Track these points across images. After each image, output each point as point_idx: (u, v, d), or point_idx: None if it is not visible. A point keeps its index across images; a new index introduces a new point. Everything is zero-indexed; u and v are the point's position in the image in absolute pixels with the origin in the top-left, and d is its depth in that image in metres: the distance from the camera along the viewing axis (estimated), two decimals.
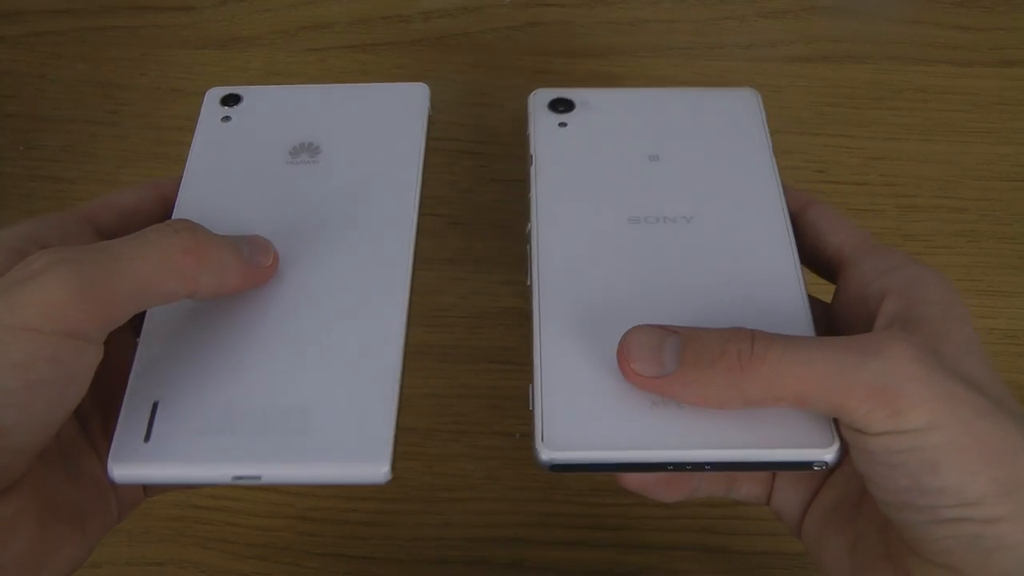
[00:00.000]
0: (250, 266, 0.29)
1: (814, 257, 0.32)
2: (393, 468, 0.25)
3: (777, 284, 0.30)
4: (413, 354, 0.45)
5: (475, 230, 0.47)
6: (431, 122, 0.35)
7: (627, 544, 0.43)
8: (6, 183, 0.48)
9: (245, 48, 0.50)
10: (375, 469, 0.25)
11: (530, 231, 0.32)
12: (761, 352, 0.25)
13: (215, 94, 0.36)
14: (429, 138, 0.35)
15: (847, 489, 0.30)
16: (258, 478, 0.25)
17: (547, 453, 0.26)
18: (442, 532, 0.43)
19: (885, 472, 0.25)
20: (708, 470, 0.27)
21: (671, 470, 0.27)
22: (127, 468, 0.26)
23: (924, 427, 0.24)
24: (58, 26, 0.51)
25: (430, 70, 0.50)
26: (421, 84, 0.36)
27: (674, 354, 0.26)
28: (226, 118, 0.35)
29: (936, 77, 0.50)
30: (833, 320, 0.31)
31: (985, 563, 0.24)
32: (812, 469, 0.27)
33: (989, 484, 0.24)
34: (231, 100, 0.36)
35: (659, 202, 0.32)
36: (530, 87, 0.36)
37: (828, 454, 0.26)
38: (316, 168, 0.34)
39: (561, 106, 0.35)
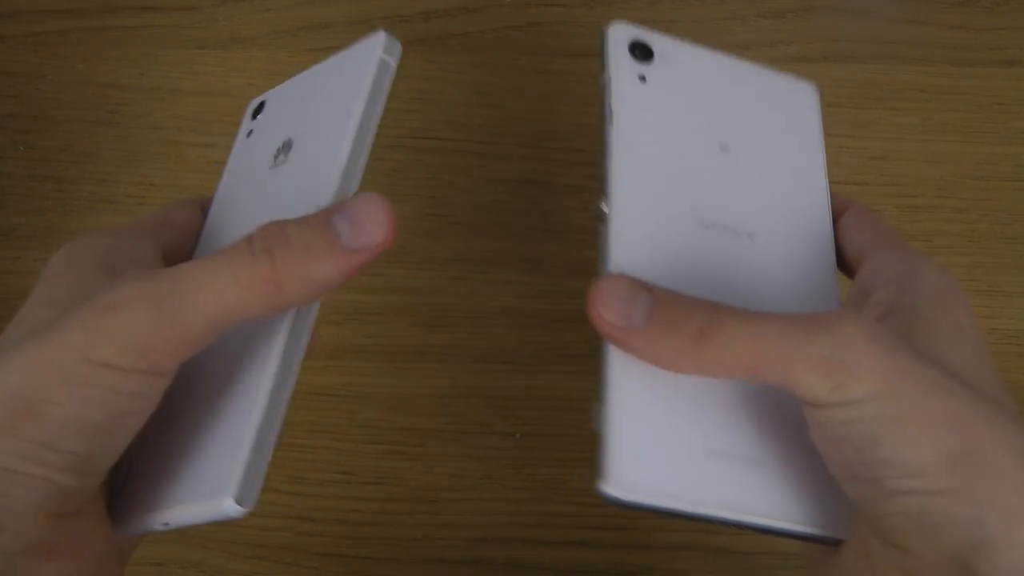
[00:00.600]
0: (352, 256, 0.25)
1: (840, 260, 0.32)
2: (250, 503, 0.25)
3: (817, 301, 0.30)
4: (413, 354, 0.45)
5: (475, 230, 0.47)
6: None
7: (627, 544, 0.43)
8: (6, 183, 0.48)
9: (245, 48, 0.50)
10: (219, 503, 0.25)
11: (605, 213, 0.29)
12: (720, 323, 0.26)
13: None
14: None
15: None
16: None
17: (613, 490, 0.26)
18: (442, 532, 0.43)
19: (835, 446, 0.25)
20: (746, 530, 0.27)
21: (717, 524, 0.27)
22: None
23: (866, 398, 0.24)
24: (58, 26, 0.51)
25: (430, 70, 0.50)
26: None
27: (644, 311, 0.26)
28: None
29: (936, 77, 0.50)
30: None
31: (933, 540, 0.24)
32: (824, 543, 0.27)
33: (933, 455, 0.24)
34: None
35: (728, 206, 0.31)
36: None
37: (834, 532, 0.27)
38: None
39: (640, 52, 0.32)
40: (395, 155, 0.49)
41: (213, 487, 0.25)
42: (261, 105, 0.36)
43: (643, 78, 0.32)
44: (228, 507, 0.24)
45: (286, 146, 0.32)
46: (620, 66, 0.32)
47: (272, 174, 0.31)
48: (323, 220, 0.26)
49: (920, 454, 0.24)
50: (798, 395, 0.25)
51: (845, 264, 0.32)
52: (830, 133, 0.49)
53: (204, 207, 0.34)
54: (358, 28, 0.50)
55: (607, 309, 0.26)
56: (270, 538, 0.43)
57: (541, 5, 0.51)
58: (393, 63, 0.29)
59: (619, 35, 0.32)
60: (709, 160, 0.32)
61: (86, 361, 0.24)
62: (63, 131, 0.49)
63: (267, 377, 0.26)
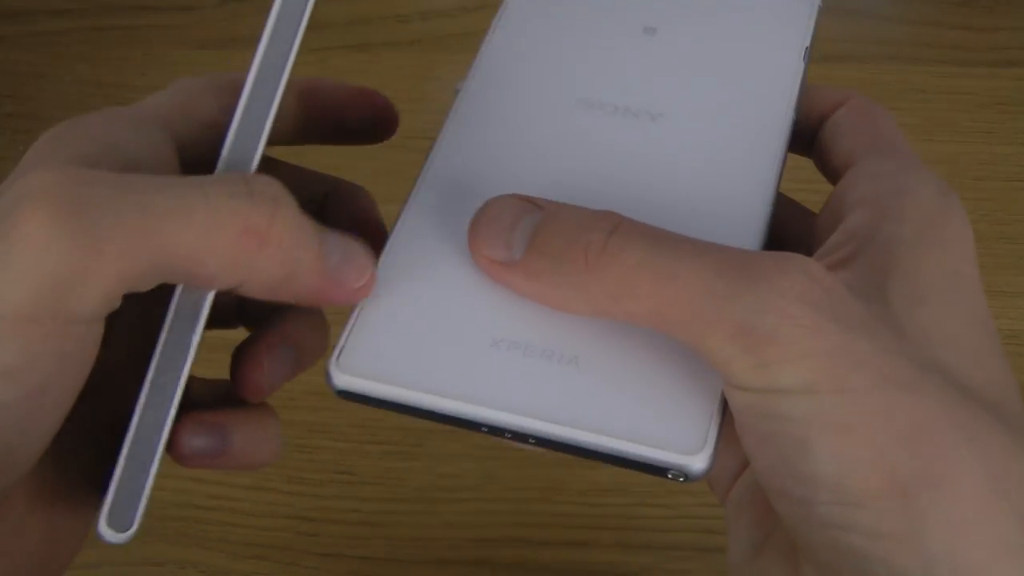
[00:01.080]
0: (330, 280, 0.21)
1: (825, 165, 0.26)
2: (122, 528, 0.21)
3: (733, 199, 0.24)
4: None
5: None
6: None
7: (627, 544, 0.43)
8: None
9: (245, 48, 0.50)
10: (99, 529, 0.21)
11: (459, 89, 0.26)
12: (616, 248, 0.19)
13: None
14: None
15: None
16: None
17: (335, 375, 0.21)
18: (442, 532, 0.43)
19: (755, 444, 0.19)
20: (532, 445, 0.21)
21: (484, 432, 0.21)
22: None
23: (797, 388, 0.18)
24: (58, 26, 0.51)
25: (430, 70, 0.50)
26: None
27: (525, 235, 0.21)
28: None
29: (936, 77, 0.50)
30: (811, 241, 0.23)
31: None
32: (667, 477, 0.20)
33: (880, 481, 0.17)
34: None
35: (627, 86, 0.26)
36: None
37: (692, 463, 0.19)
38: None
39: None
40: (395, 155, 0.49)
41: (101, 519, 0.21)
42: None
43: None
44: (102, 531, 0.21)
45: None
46: None
47: None
48: (319, 226, 0.21)
49: (863, 478, 0.17)
50: (711, 365, 0.19)
51: (830, 174, 0.25)
52: None
53: (237, 89, 0.23)
54: (358, 28, 0.50)
55: (483, 239, 0.21)
56: (270, 538, 0.43)
57: None
58: None
59: None
60: (622, 45, 0.27)
61: None
62: None
63: (145, 388, 0.21)
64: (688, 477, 0.20)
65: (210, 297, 0.21)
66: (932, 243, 0.21)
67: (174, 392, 0.21)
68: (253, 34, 0.55)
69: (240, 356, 0.25)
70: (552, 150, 0.24)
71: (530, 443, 0.21)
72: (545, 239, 0.20)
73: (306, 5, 0.24)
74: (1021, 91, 0.50)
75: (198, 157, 0.23)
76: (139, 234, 0.18)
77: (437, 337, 0.21)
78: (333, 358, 0.21)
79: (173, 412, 0.21)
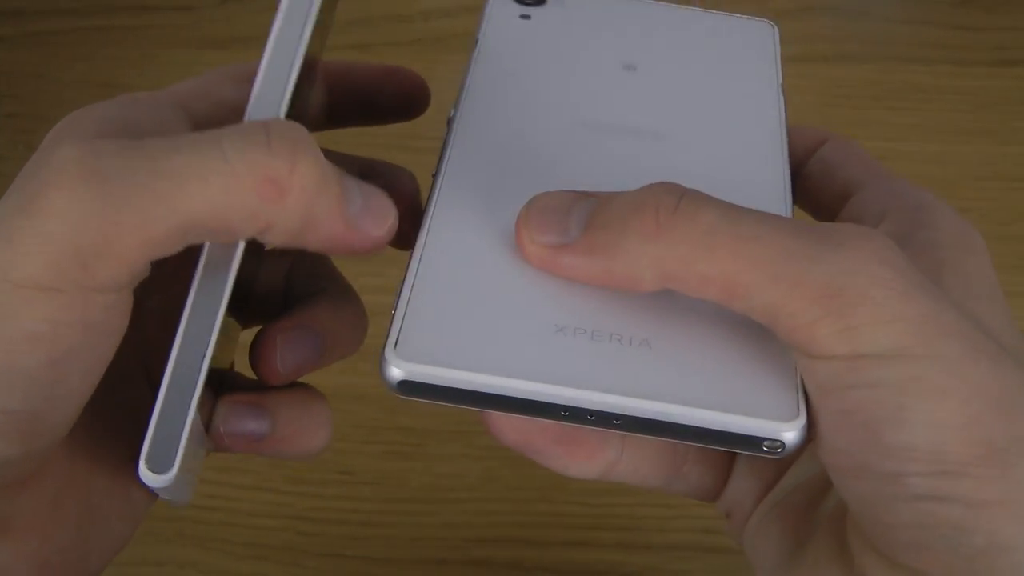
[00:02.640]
0: (350, 227, 0.20)
1: (819, 198, 0.26)
2: (164, 469, 0.21)
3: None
4: None
5: None
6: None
7: (627, 544, 0.43)
8: (6, 183, 0.48)
9: (245, 48, 0.50)
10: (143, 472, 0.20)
11: (452, 117, 0.26)
12: (690, 209, 0.19)
13: None
14: None
15: (812, 475, 0.23)
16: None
17: (396, 364, 0.19)
18: (442, 532, 0.43)
19: (837, 419, 0.18)
20: (615, 427, 0.19)
21: (563, 416, 0.19)
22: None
23: (889, 353, 0.17)
24: (58, 26, 0.51)
25: (430, 70, 0.50)
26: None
27: (582, 218, 0.20)
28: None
29: (936, 77, 0.50)
30: None
31: (968, 569, 0.17)
32: (762, 451, 0.19)
33: (976, 446, 0.17)
34: None
35: (626, 108, 0.26)
36: None
37: (788, 431, 0.19)
38: None
39: None
40: (396, 155, 0.49)
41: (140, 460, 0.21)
42: None
43: (525, 16, 0.29)
44: (142, 473, 0.20)
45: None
46: (496, 8, 0.29)
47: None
48: (341, 172, 0.21)
49: (961, 445, 0.17)
50: (788, 337, 0.18)
51: (824, 207, 0.25)
52: None
53: (252, 78, 0.24)
54: (358, 28, 0.50)
55: (536, 228, 0.20)
56: (270, 538, 0.43)
57: None
58: None
59: None
60: (607, 80, 0.27)
61: (7, 284, 0.18)
62: None
63: (178, 338, 0.21)
64: (784, 447, 0.19)
65: (240, 248, 0.21)
66: (970, 249, 0.22)
67: (210, 337, 0.21)
68: (253, 34, 0.55)
69: (257, 337, 0.24)
70: (563, 167, 0.24)
71: (614, 425, 0.19)
72: (607, 214, 0.19)
73: None
74: (1021, 91, 0.50)
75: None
76: (158, 199, 0.18)
77: (500, 321, 0.20)
78: (389, 347, 0.20)
79: (210, 355, 0.21)
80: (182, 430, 0.20)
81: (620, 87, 0.27)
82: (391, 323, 0.20)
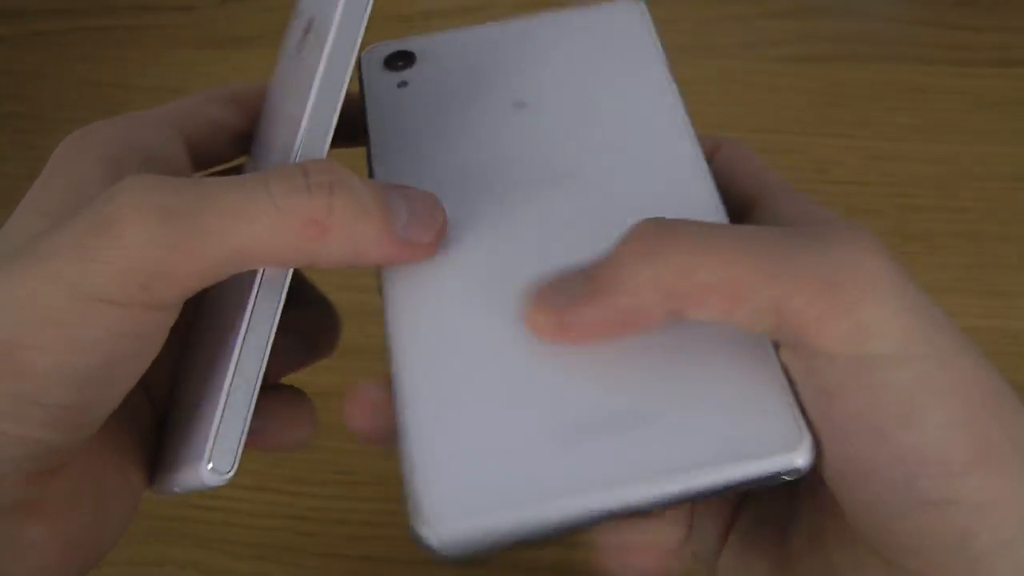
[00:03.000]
0: (399, 244, 0.22)
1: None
2: (225, 469, 0.23)
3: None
4: None
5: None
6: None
7: None
8: (6, 183, 0.48)
9: (245, 48, 0.50)
10: (196, 471, 0.23)
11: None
12: (674, 227, 0.19)
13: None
14: None
15: (771, 504, 0.23)
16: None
17: (437, 529, 0.20)
18: None
19: (843, 427, 0.18)
20: (648, 511, 0.20)
21: (603, 520, 0.20)
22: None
23: (896, 353, 0.18)
24: (58, 26, 0.51)
25: None
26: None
27: (583, 278, 0.20)
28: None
29: (936, 77, 0.50)
30: None
31: (972, 570, 0.18)
32: (782, 481, 0.19)
33: (978, 445, 0.17)
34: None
35: (533, 162, 0.25)
36: None
37: (800, 457, 0.19)
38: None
39: (400, 61, 0.29)
40: None
41: (194, 453, 0.23)
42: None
43: (403, 83, 0.29)
44: (204, 474, 0.23)
45: (308, 27, 0.26)
46: (374, 84, 0.29)
47: (293, 64, 0.27)
48: (383, 192, 0.22)
49: (967, 444, 0.17)
50: (793, 337, 0.18)
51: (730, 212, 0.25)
52: (830, 133, 0.49)
53: (238, 100, 0.28)
54: None
55: (545, 302, 0.21)
56: (270, 538, 0.43)
57: (541, 5, 0.51)
58: None
59: (372, 56, 0.29)
60: (502, 124, 0.27)
61: (76, 295, 0.20)
62: (63, 131, 0.49)
63: (236, 351, 0.23)
64: (801, 471, 0.19)
65: (290, 271, 0.23)
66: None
67: (264, 352, 0.23)
68: (253, 34, 0.55)
69: None
70: (509, 248, 0.24)
71: (639, 513, 0.20)
72: (601, 263, 0.20)
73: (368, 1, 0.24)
74: (1021, 91, 0.50)
75: (205, 152, 0.27)
76: (213, 234, 0.20)
77: (508, 450, 0.20)
78: (419, 520, 0.21)
79: (263, 367, 0.23)
80: (240, 437, 0.23)
81: (521, 132, 0.26)
82: (405, 495, 0.21)
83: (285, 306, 0.24)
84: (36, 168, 0.50)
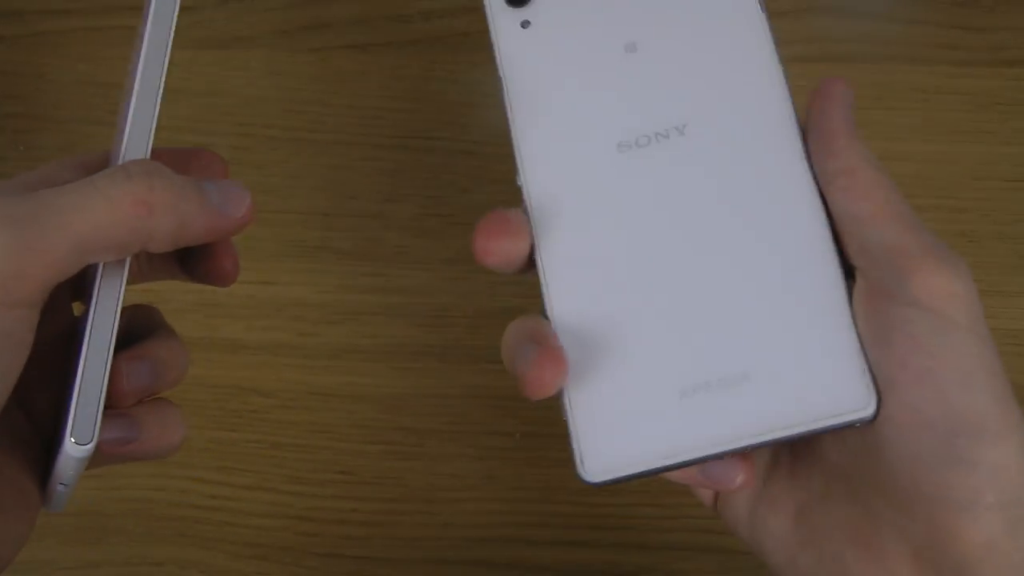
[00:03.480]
0: (217, 215, 0.27)
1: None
2: (86, 440, 0.26)
3: (794, 221, 0.27)
4: (413, 354, 0.45)
5: (475, 230, 0.47)
6: None
7: (627, 544, 0.43)
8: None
9: (245, 48, 0.50)
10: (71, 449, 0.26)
11: (521, 187, 0.29)
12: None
13: None
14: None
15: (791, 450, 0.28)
16: None
17: (591, 477, 0.26)
18: (442, 532, 0.43)
19: (918, 377, 0.23)
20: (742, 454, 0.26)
21: (715, 458, 0.26)
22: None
23: (967, 325, 0.24)
24: (58, 26, 0.51)
25: (430, 70, 0.50)
26: None
27: None
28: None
29: (936, 77, 0.50)
30: None
31: (974, 521, 0.23)
32: (855, 426, 0.25)
33: (1005, 419, 0.23)
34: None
35: (646, 112, 0.29)
36: None
37: (869, 409, 0.24)
38: None
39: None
40: (395, 155, 0.49)
41: (63, 436, 0.26)
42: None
43: (525, 24, 0.31)
44: (68, 447, 0.25)
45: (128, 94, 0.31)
46: (498, 23, 0.31)
47: (120, 125, 0.30)
48: (194, 179, 0.26)
49: (1000, 419, 0.23)
50: (902, 270, 0.24)
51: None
52: None
53: (86, 165, 0.31)
54: (358, 28, 0.50)
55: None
56: (270, 538, 0.43)
57: None
58: None
59: None
60: (615, 71, 0.29)
61: None
62: (63, 131, 0.49)
63: (86, 335, 0.26)
64: (869, 420, 0.24)
65: (127, 262, 0.27)
66: None
67: (110, 333, 0.26)
68: (253, 34, 0.55)
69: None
70: (627, 216, 0.28)
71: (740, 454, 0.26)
72: None
73: (171, 28, 0.30)
74: (1021, 91, 0.50)
75: None
76: (55, 230, 0.23)
77: (644, 411, 0.26)
78: (579, 467, 0.27)
79: (112, 349, 0.26)
80: (97, 409, 0.26)
81: (636, 80, 0.29)
82: (569, 440, 0.27)
83: (139, 336, 0.29)
84: (36, 168, 0.50)
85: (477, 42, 0.51)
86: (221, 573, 0.42)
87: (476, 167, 0.48)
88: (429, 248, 0.47)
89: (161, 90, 0.28)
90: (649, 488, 0.44)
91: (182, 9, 0.51)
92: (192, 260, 0.30)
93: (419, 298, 0.46)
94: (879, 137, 0.49)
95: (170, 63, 0.32)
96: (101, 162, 0.31)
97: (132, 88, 0.28)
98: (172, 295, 0.39)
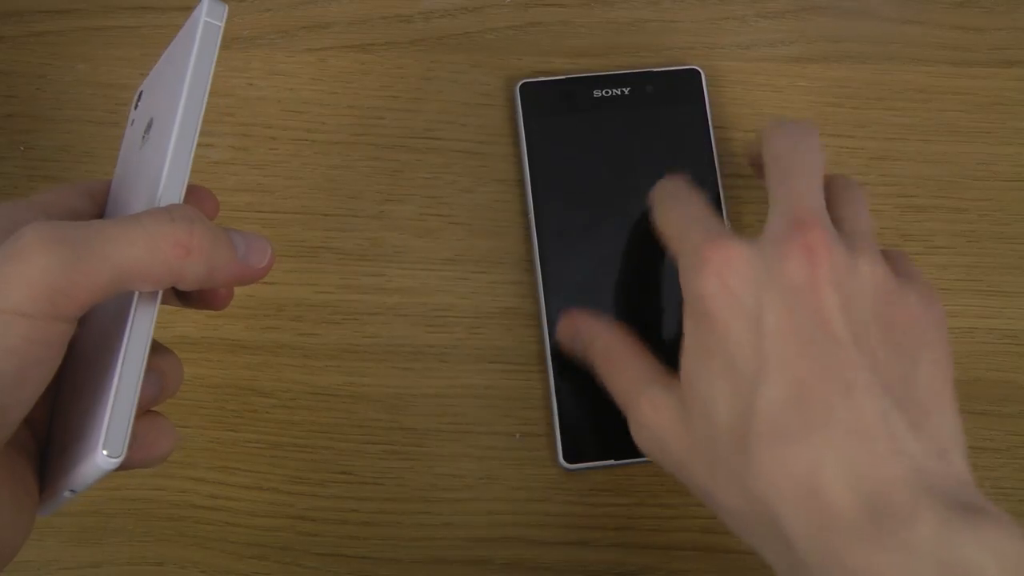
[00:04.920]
0: (242, 265, 0.30)
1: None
2: (118, 453, 0.27)
3: None
4: (413, 354, 0.45)
5: (475, 230, 0.47)
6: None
7: (627, 544, 0.43)
8: (5, 183, 0.48)
9: (245, 48, 0.50)
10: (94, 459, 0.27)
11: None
12: None
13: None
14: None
15: None
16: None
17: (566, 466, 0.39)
18: (442, 532, 0.43)
19: None
20: None
21: None
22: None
23: None
24: (58, 26, 0.51)
25: (430, 70, 0.50)
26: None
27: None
28: None
29: (936, 77, 0.50)
30: None
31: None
32: None
33: None
34: None
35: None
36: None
37: None
38: None
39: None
40: (395, 155, 0.49)
41: (89, 447, 0.27)
42: (140, 94, 0.37)
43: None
44: (99, 458, 0.27)
45: (148, 126, 0.33)
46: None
47: (140, 155, 0.33)
48: (226, 229, 0.29)
49: None
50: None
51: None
52: (830, 133, 0.49)
53: (91, 192, 0.34)
54: (358, 28, 0.50)
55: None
56: (270, 538, 0.43)
57: (541, 5, 0.51)
58: (219, 22, 0.32)
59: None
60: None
61: None
62: (63, 131, 0.49)
63: (121, 356, 0.28)
64: None
65: (159, 293, 0.29)
66: None
67: (142, 356, 0.28)
68: (253, 34, 0.55)
69: None
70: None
71: None
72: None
73: (207, 84, 0.31)
74: (1021, 91, 0.50)
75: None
76: (102, 257, 0.26)
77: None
78: (558, 458, 0.43)
79: (143, 370, 0.28)
80: (128, 425, 0.27)
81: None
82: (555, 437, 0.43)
83: (155, 353, 0.29)
84: (36, 168, 0.50)
85: (476, 42, 0.51)
86: (221, 573, 0.42)
87: (476, 167, 0.48)
88: (429, 248, 0.47)
89: (198, 131, 0.30)
90: (650, 488, 0.44)
91: (182, 10, 0.51)
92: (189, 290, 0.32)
93: (419, 298, 0.46)
94: (879, 137, 0.49)
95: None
96: (104, 190, 0.35)
97: (171, 127, 0.30)
98: None
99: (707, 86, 0.48)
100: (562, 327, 0.42)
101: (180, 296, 0.33)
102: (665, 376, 0.36)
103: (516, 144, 0.47)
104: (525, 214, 0.47)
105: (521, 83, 0.47)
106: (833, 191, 0.36)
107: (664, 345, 0.41)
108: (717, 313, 0.32)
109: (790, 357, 0.31)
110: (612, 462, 0.42)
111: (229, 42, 0.51)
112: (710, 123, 0.47)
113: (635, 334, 0.40)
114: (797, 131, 0.37)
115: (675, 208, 0.38)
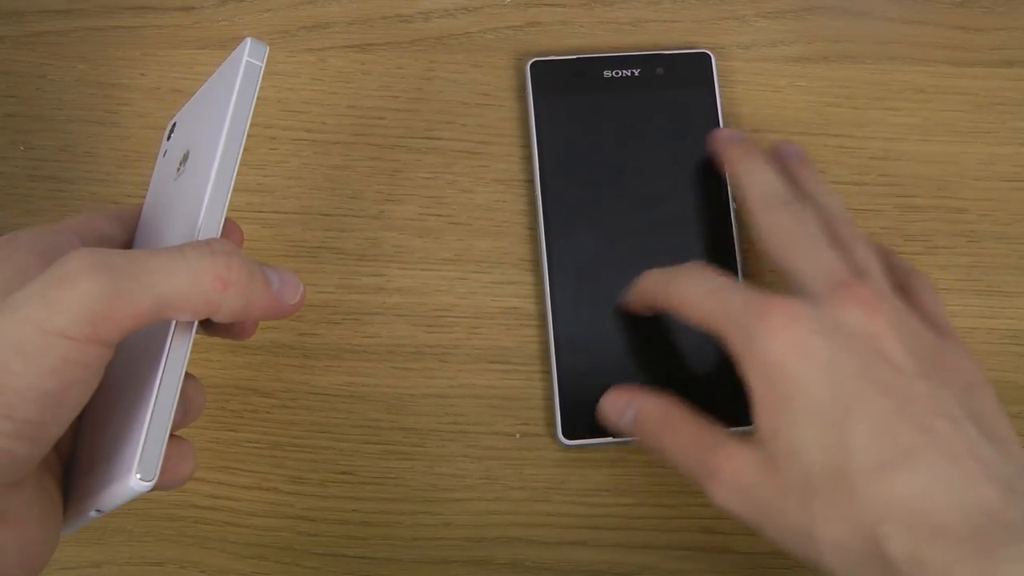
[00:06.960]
0: (275, 300, 0.31)
1: None
2: (151, 477, 0.28)
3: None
4: (413, 354, 0.45)
5: (475, 230, 0.47)
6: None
7: (627, 544, 0.43)
8: (6, 183, 0.48)
9: None
10: (127, 481, 0.28)
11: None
12: None
13: None
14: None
15: None
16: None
17: (564, 442, 0.41)
18: (442, 532, 0.43)
19: None
20: None
21: None
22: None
23: None
24: (58, 26, 0.51)
25: (430, 70, 0.50)
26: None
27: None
28: None
29: (936, 77, 0.50)
30: None
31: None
32: None
33: None
34: None
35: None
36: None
37: None
38: None
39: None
40: (395, 155, 0.49)
41: (121, 469, 0.28)
42: (174, 126, 0.38)
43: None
44: (132, 482, 0.28)
45: (184, 158, 0.34)
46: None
47: (175, 186, 0.34)
48: (263, 268, 0.30)
49: None
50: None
51: None
52: (830, 133, 0.49)
53: (121, 218, 0.36)
54: (358, 28, 0.50)
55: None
56: (270, 538, 0.43)
57: (541, 5, 0.51)
58: (260, 63, 0.32)
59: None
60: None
61: (41, 331, 0.26)
62: (63, 131, 0.49)
63: (157, 382, 0.29)
64: None
65: (195, 323, 0.30)
66: None
67: (177, 383, 0.29)
68: (252, 34, 0.55)
69: None
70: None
71: None
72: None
73: (247, 123, 0.32)
74: (1021, 91, 0.50)
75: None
76: (144, 285, 0.27)
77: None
78: (556, 433, 0.44)
79: (177, 396, 0.29)
80: (161, 450, 0.29)
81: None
82: (555, 413, 0.44)
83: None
84: (36, 168, 0.50)
85: (476, 42, 0.51)
86: (221, 573, 0.42)
87: (476, 167, 0.48)
88: (429, 248, 0.47)
89: (237, 168, 0.31)
90: (650, 488, 0.44)
91: (182, 10, 0.51)
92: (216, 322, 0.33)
93: (419, 298, 0.46)
94: (879, 137, 0.49)
95: (173, 66, 0.33)
96: (134, 217, 0.36)
97: (210, 164, 0.31)
98: None
99: (717, 69, 0.48)
100: (608, 403, 0.41)
101: (206, 325, 0.33)
102: (727, 432, 0.36)
103: (525, 121, 0.48)
104: (532, 192, 0.47)
105: (532, 61, 0.48)
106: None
107: (675, 324, 0.43)
108: (792, 367, 0.33)
109: (870, 396, 0.33)
110: (610, 440, 0.42)
111: (229, 42, 0.51)
112: (719, 106, 0.47)
113: (644, 326, 0.43)
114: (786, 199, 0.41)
115: (689, 284, 0.38)
